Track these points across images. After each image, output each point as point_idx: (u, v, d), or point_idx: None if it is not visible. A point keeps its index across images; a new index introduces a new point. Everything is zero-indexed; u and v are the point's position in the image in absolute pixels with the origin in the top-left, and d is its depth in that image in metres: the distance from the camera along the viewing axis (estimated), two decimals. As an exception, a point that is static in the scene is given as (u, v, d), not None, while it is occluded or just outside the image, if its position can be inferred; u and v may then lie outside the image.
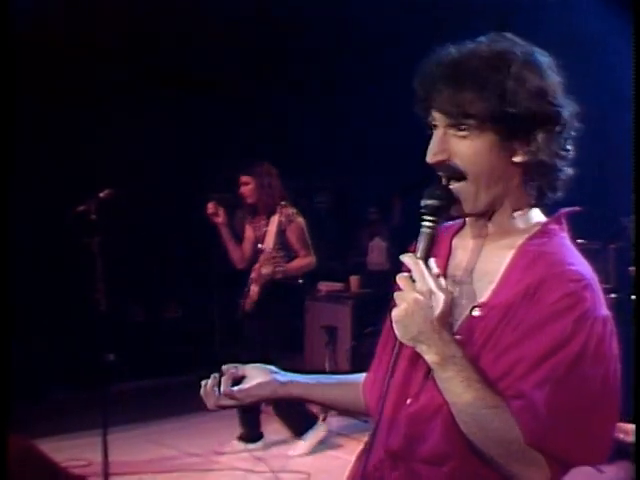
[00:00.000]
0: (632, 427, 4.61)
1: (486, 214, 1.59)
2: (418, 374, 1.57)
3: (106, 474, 4.79)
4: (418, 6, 6.23)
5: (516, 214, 1.60)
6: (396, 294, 1.47)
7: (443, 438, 1.51)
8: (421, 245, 1.51)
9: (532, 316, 1.46)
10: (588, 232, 5.78)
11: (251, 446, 5.72)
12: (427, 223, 1.52)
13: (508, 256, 1.57)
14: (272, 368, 1.91)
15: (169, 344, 8.29)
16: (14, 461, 3.61)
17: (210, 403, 1.88)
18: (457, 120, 1.51)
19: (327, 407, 1.85)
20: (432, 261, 1.50)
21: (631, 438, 4.71)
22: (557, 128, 1.54)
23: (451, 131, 1.53)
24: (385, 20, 6.82)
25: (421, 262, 1.48)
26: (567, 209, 1.64)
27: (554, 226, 1.61)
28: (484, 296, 1.55)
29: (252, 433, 5.79)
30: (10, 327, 7.24)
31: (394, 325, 1.47)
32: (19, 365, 7.36)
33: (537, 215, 1.62)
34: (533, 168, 1.55)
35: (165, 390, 7.61)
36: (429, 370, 1.50)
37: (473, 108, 1.49)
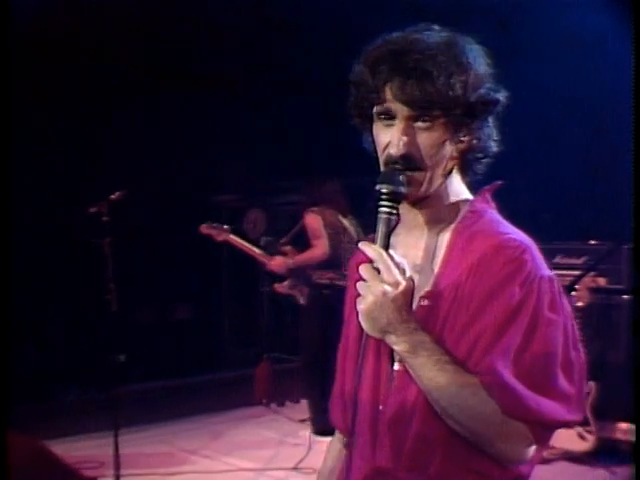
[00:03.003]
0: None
1: (424, 200, 1.58)
2: (383, 377, 1.57)
3: (117, 475, 4.80)
4: (418, 6, 6.21)
5: (450, 197, 1.61)
6: (361, 285, 1.45)
7: (424, 439, 1.51)
8: (381, 233, 1.48)
9: (480, 290, 1.49)
10: (600, 232, 5.78)
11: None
12: (387, 209, 1.49)
13: (445, 241, 1.59)
14: None
15: (180, 345, 8.30)
16: (25, 462, 3.62)
17: None
18: (423, 111, 1.50)
19: None
20: (392, 250, 1.48)
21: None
22: (495, 113, 1.58)
23: (414, 123, 1.51)
24: (384, 20, 6.79)
25: (384, 251, 1.46)
26: (489, 186, 1.66)
27: (482, 204, 1.63)
28: (429, 284, 1.56)
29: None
30: (21, 328, 7.29)
31: (361, 318, 1.46)
32: (30, 366, 7.40)
33: (463, 192, 1.63)
34: (473, 153, 1.59)
35: (176, 391, 7.62)
36: (392, 369, 1.53)
37: (442, 98, 1.48)
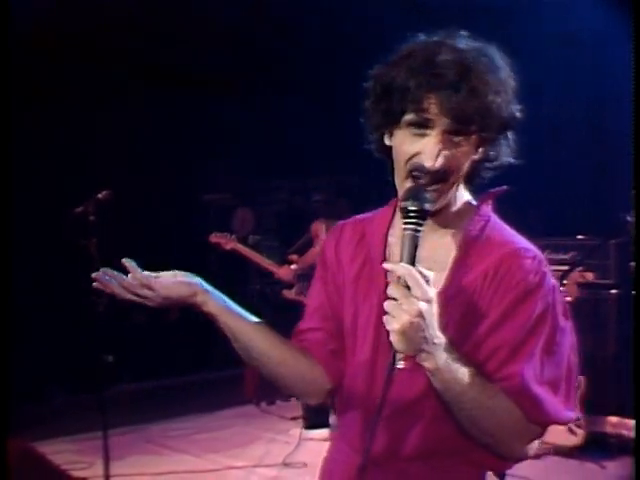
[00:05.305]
0: (633, 423, 4.59)
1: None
2: (381, 370, 1.54)
3: (107, 476, 4.77)
4: (417, 6, 6.21)
5: (457, 202, 1.63)
6: (391, 305, 1.39)
7: (428, 432, 1.57)
8: (407, 251, 1.43)
9: (500, 298, 1.53)
10: (588, 228, 5.79)
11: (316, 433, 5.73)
12: (412, 227, 1.45)
13: (453, 242, 1.61)
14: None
15: (169, 346, 8.27)
16: (13, 465, 3.59)
17: (114, 288, 1.71)
18: (464, 126, 1.49)
19: (240, 344, 1.94)
20: (419, 266, 1.43)
21: (632, 434, 4.70)
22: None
23: (448, 136, 1.50)
24: (384, 19, 6.80)
25: (414, 270, 1.40)
26: (495, 190, 1.68)
27: (486, 208, 1.66)
28: (438, 286, 1.51)
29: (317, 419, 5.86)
30: (9, 330, 7.25)
31: (394, 338, 1.39)
32: (18, 368, 7.36)
33: (466, 195, 1.66)
34: (487, 163, 1.61)
35: (166, 391, 7.60)
36: (392, 365, 1.47)
37: (485, 115, 1.49)
